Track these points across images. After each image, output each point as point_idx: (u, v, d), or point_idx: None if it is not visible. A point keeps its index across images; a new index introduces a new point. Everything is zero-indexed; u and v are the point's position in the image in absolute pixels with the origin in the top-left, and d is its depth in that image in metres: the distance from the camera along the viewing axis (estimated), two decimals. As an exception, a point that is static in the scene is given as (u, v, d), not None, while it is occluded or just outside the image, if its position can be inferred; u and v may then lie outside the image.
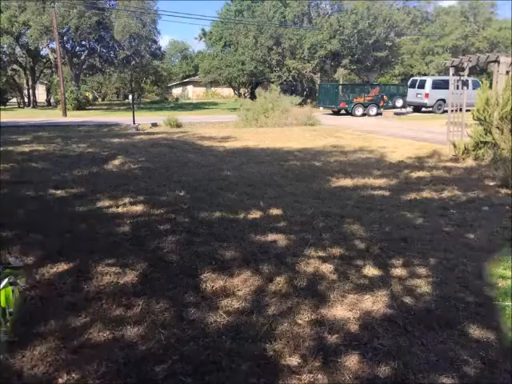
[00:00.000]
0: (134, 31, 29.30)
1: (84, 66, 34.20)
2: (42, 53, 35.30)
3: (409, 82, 25.53)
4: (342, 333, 2.71)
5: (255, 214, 5.12)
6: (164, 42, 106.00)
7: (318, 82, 30.03)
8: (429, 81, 23.88)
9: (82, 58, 32.99)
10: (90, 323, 2.78)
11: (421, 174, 7.62)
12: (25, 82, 38.26)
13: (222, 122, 18.74)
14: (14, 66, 36.10)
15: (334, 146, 11.18)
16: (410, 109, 25.26)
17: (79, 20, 28.13)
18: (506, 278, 3.24)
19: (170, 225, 4.71)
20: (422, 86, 23.93)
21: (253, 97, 29.88)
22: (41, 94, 41.71)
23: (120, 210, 5.28)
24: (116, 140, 12.55)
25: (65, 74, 29.27)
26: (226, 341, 2.61)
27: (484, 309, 3.00)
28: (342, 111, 24.19)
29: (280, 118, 17.08)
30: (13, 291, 2.43)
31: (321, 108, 25.10)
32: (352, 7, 29.38)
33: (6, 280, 2.41)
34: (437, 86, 23.18)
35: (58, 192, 6.17)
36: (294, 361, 2.44)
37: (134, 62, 33.61)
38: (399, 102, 25.10)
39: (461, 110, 9.90)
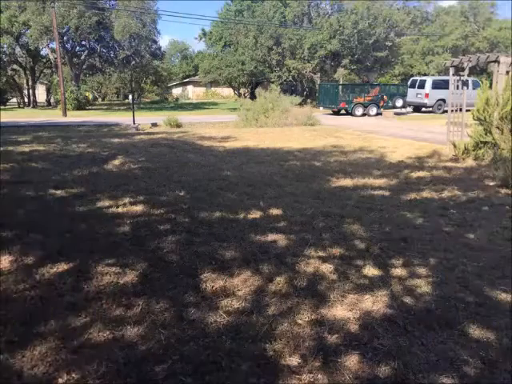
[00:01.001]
0: (134, 31, 29.31)
1: (84, 66, 34.21)
2: (42, 53, 35.36)
3: (409, 82, 25.52)
4: (342, 333, 2.71)
5: (255, 214, 5.12)
6: (164, 42, 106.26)
7: (318, 82, 30.02)
8: (429, 81, 23.88)
9: (82, 57, 33.00)
10: (90, 323, 2.78)
11: (421, 173, 7.62)
12: (25, 82, 38.29)
13: (221, 122, 18.74)
14: (14, 66, 36.14)
15: (334, 145, 11.18)
16: (409, 109, 25.26)
17: (79, 20, 28.14)
18: None
19: (170, 225, 4.71)
20: (422, 86, 23.93)
21: (253, 97, 29.88)
22: (41, 94, 41.74)
23: (120, 209, 5.28)
24: (116, 140, 12.54)
25: (65, 74, 29.28)
26: (226, 341, 2.61)
27: (484, 309, 3.00)
28: (342, 111, 24.18)
29: (280, 118, 17.07)
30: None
31: (321, 108, 25.09)
32: (352, 7, 29.37)
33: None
34: (437, 86, 23.18)
35: (58, 192, 6.17)
36: (294, 361, 2.44)
37: (133, 62, 33.62)
38: (399, 102, 25.09)
39: (461, 109, 9.90)
